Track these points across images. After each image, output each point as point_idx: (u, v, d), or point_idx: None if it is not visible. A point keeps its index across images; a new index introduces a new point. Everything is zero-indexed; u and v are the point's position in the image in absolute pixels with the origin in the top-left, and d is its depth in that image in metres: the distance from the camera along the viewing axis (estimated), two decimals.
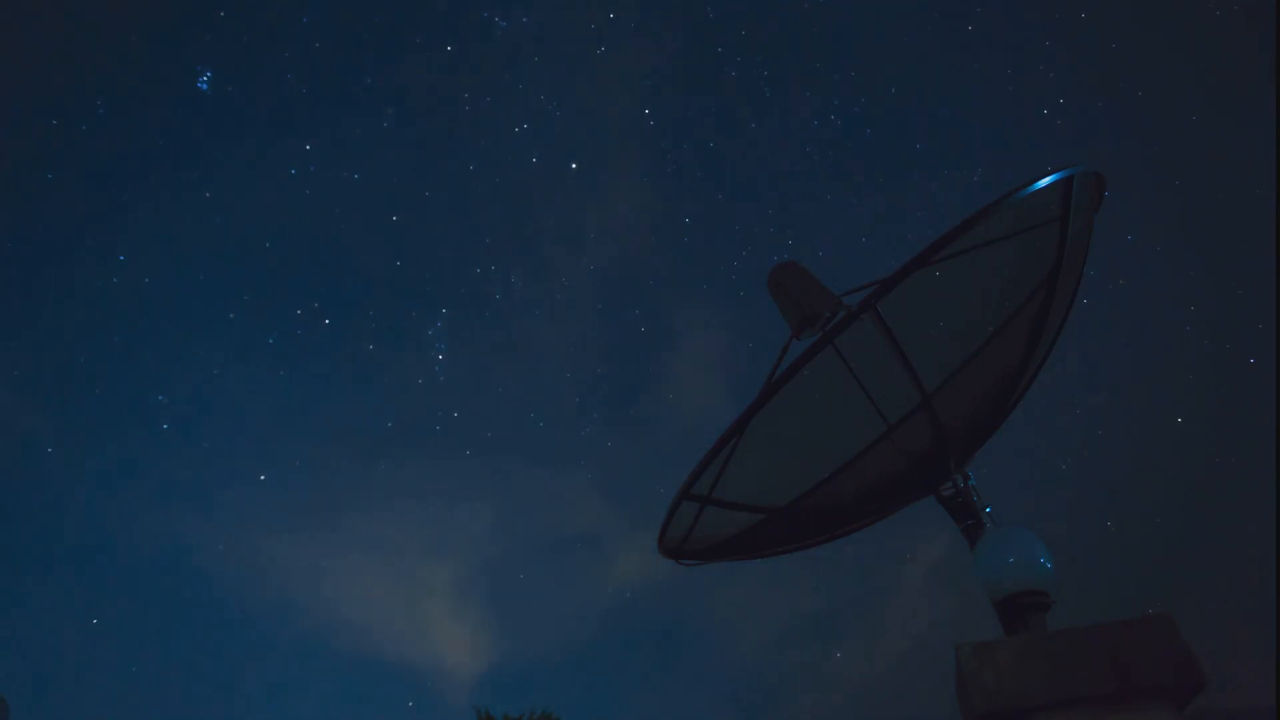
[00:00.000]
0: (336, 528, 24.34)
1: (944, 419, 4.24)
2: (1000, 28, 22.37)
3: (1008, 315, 4.44)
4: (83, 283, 21.47)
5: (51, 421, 21.33)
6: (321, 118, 23.02)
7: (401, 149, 24.09)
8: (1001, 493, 4.21)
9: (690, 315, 25.38)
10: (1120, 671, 2.83)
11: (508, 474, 24.98)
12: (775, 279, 4.62)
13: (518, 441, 25.15)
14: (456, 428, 24.76)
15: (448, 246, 24.95)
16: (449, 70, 23.67)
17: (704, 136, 24.91)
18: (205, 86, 21.97)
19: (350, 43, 23.09)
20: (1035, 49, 22.07)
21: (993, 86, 22.87)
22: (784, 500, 4.85)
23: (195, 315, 22.97)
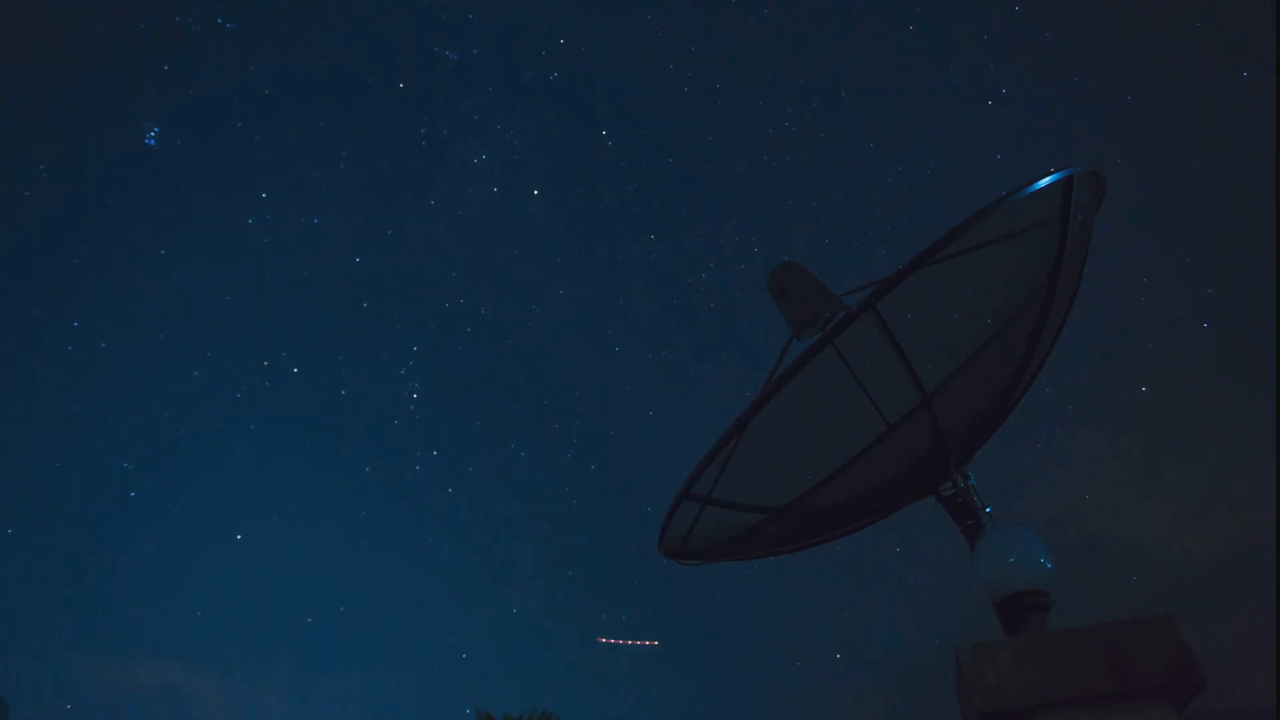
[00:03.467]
0: (319, 582, 24.22)
1: (944, 419, 4.24)
2: (938, 25, 22.51)
3: (1008, 315, 4.43)
4: (35, 352, 21.23)
5: (9, 501, 21.11)
6: (275, 164, 22.79)
7: (360, 189, 23.95)
8: (1001, 492, 4.21)
9: (662, 330, 25.40)
10: (1120, 671, 2.83)
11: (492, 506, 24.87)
12: (775, 279, 4.61)
13: (500, 474, 25.07)
14: (437, 466, 24.64)
15: (414, 283, 24.80)
16: (403, 107, 23.65)
17: (663, 153, 24.99)
18: (153, 141, 21.54)
19: (300, 86, 22.96)
20: (973, 43, 22.21)
21: (936, 81, 22.98)
22: (784, 500, 4.84)
23: (157, 376, 22.64)
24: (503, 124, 24.21)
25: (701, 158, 25.36)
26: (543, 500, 25.24)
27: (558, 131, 24.72)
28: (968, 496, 4.13)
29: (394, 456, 24.42)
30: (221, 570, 22.84)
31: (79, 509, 22.03)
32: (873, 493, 4.77)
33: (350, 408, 24.16)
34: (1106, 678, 2.84)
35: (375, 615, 24.34)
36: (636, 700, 23.74)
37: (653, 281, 25.20)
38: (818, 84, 23.84)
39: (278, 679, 22.94)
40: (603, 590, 24.41)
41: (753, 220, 25.09)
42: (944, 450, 4.25)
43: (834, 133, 24.02)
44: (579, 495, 24.84)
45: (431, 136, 23.87)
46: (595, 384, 25.58)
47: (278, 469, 24.09)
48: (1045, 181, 3.84)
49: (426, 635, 24.36)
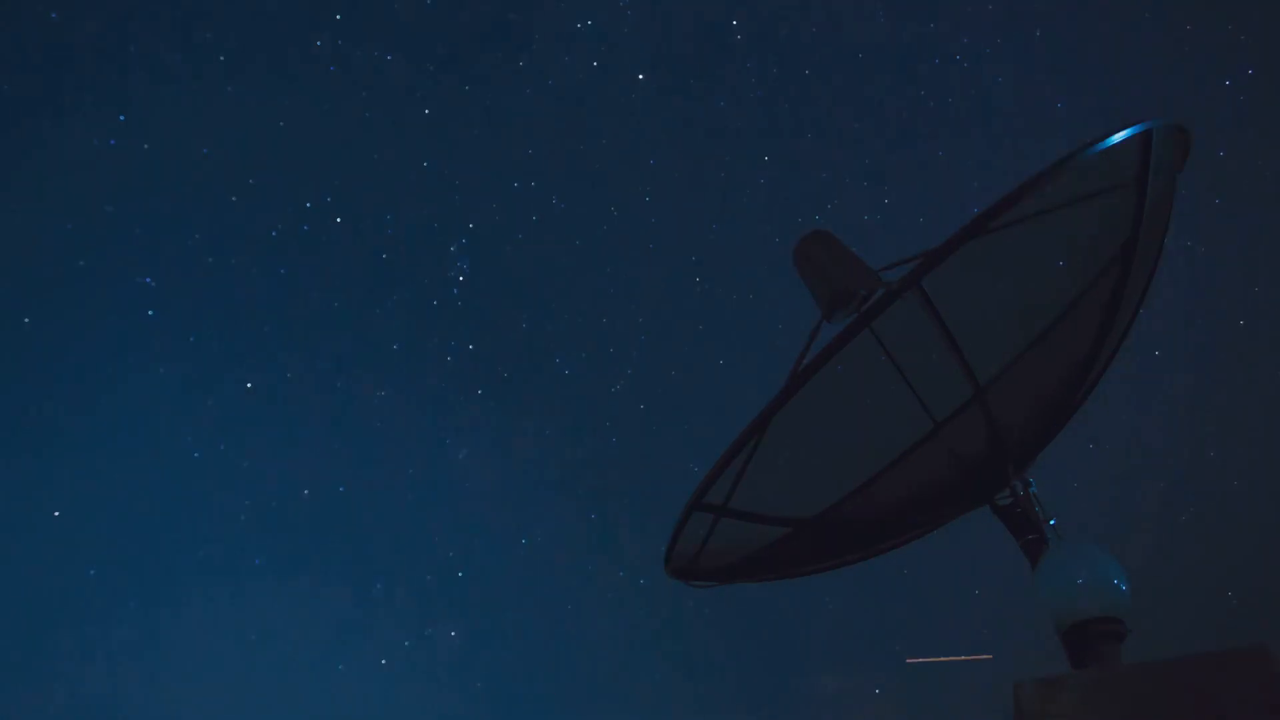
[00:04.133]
0: (322, 454, 24.49)
1: (1000, 416, 4.16)
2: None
3: (1075, 294, 4.32)
4: (77, 140, 21.61)
5: (31, 297, 21.65)
6: None
7: (444, 32, 23.36)
8: (1068, 503, 4.18)
9: (749, 272, 25.13)
10: (1208, 712, 2.76)
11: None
12: (803, 252, 4.54)
13: (538, 388, 25.00)
14: (470, 362, 24.67)
15: (483, 153, 24.29)
16: None
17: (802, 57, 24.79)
18: None
19: None
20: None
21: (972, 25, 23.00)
22: (813, 511, 4.77)
23: (194, 192, 22.72)
24: None
25: (731, 137, 25.22)
26: (579, 429, 25.06)
27: (678, 10, 24.28)
28: (1028, 507, 4.03)
29: (426, 339, 24.33)
30: (225, 415, 23.22)
31: (94, 314, 22.51)
32: (917, 502, 4.71)
33: (388, 274, 24.08)
34: (1193, 719, 2.78)
35: (374, 502, 24.31)
36: (635, 702, 23.82)
37: (758, 213, 24.79)
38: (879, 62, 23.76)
39: (267, 556, 23.18)
40: (622, 546, 24.32)
41: (789, 192, 24.96)
42: (1000, 452, 4.15)
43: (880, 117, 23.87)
44: (620, 433, 24.55)
45: None
46: (665, 314, 25.18)
47: (300, 322, 24.25)
48: (1119, 136, 3.70)
49: (423, 541, 24.33)
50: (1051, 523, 3.97)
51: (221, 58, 21.67)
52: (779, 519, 4.81)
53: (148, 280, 22.24)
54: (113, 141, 21.03)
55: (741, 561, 4.91)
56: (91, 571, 20.09)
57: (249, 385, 23.13)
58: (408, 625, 23.02)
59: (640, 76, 23.72)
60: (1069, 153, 3.67)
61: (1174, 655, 2.89)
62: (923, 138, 23.57)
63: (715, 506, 4.59)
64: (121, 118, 21.23)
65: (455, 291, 23.88)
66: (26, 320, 21.15)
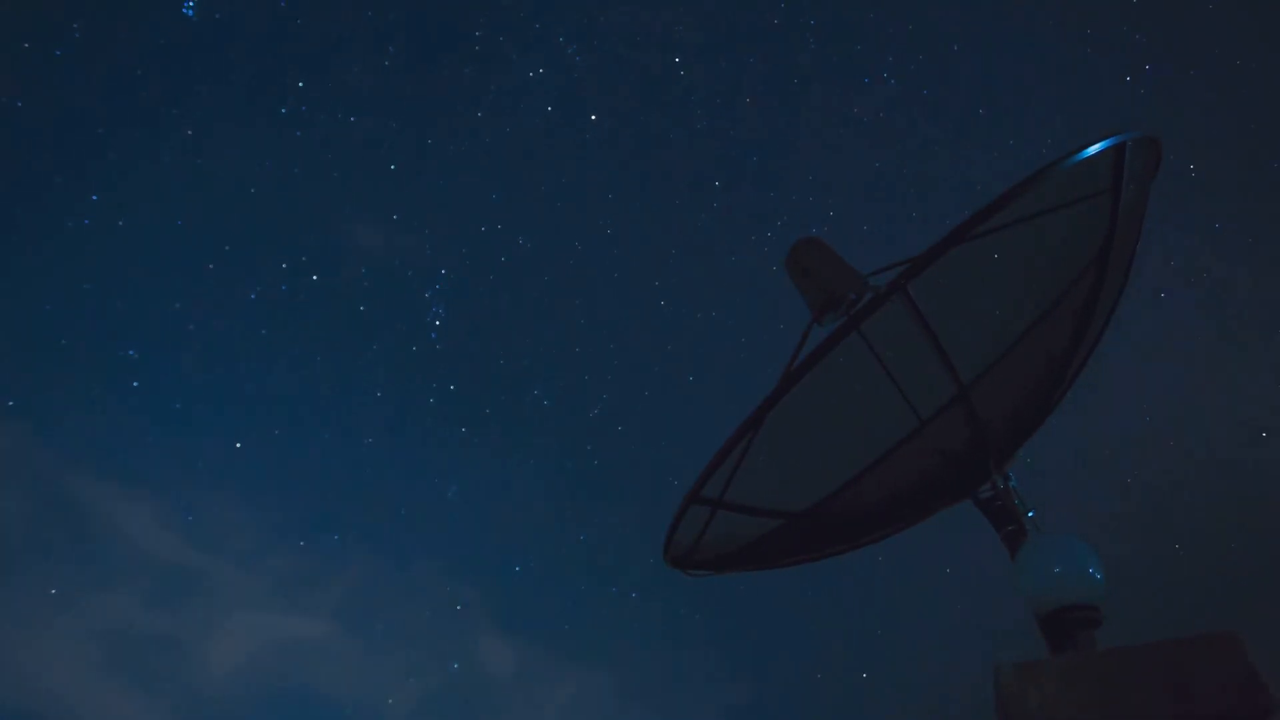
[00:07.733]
0: (314, 505, 24.29)
1: (982, 413, 4.20)
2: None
3: (1054, 297, 4.39)
4: (50, 222, 21.34)
5: (11, 378, 21.31)
6: (317, 52, 22.34)
7: (403, 91, 23.39)
8: (1046, 496, 4.21)
9: (714, 289, 25.17)
10: (1179, 695, 2.79)
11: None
12: (795, 256, 4.59)
13: (519, 420, 24.97)
14: (452, 402, 24.63)
15: (449, 201, 24.38)
16: (459, 3, 23.51)
17: (743, 87, 24.84)
18: (191, 12, 21.09)
19: None
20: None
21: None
22: (804, 504, 4.82)
23: (171, 264, 22.50)
24: (565, 36, 23.87)
25: (707, 138, 25.21)
26: (562, 455, 25.07)
27: (625, 55, 24.25)
28: (1008, 500, 4.10)
29: (409, 384, 24.26)
30: (217, 477, 22.96)
31: (79, 392, 22.13)
32: (903, 496, 4.76)
33: (368, 325, 24.03)
34: (1165, 701, 2.80)
35: (369, 548, 24.25)
36: (635, 713, 23.84)
37: (714, 235, 24.82)
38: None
39: (253, 602, 23.02)
40: (612, 563, 24.30)
41: (783, 194, 24.94)
42: (983, 448, 4.21)
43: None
44: (601, 455, 24.57)
45: (487, 40, 23.37)
46: (635, 337, 25.15)
47: (285, 379, 24.07)
48: (1094, 149, 3.79)
49: (420, 580, 24.34)
50: (1030, 515, 4.01)
51: (189, 131, 21.60)
52: (772, 512, 4.85)
53: (131, 353, 22.13)
54: (87, 221, 20.94)
55: (735, 552, 4.94)
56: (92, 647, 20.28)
57: (238, 445, 23.03)
58: (411, 663, 23.06)
59: (593, 117, 23.92)
60: (1048, 163, 3.74)
61: (1147, 641, 2.94)
62: (859, 155, 23.87)
63: (711, 500, 4.63)
64: (94, 197, 21.15)
65: (433, 336, 23.94)
66: (11, 403, 21.10)
